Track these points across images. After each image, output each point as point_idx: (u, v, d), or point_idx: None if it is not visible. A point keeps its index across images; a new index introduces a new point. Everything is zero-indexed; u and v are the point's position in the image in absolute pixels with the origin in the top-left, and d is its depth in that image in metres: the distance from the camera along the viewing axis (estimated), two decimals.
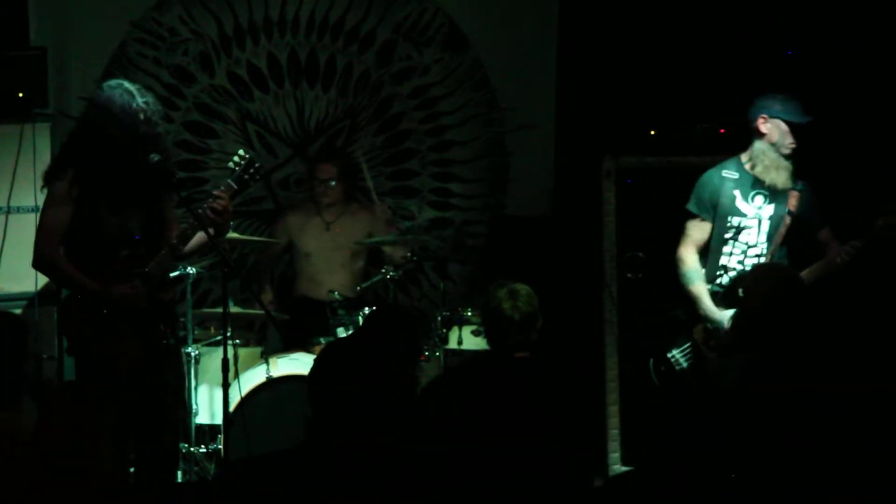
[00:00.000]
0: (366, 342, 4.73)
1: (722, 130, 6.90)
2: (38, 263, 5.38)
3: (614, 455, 6.68)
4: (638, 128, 7.21)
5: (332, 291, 6.81)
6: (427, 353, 6.58)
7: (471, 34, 7.64)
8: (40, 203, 6.49)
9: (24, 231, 6.49)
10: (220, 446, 6.25)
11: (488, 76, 7.68)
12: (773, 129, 5.81)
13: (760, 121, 5.82)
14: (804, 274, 5.59)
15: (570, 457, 4.63)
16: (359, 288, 6.92)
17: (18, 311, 6.47)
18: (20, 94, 6.55)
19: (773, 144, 5.81)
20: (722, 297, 5.82)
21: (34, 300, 6.49)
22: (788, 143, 5.79)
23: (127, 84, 5.31)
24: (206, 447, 6.45)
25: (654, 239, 6.30)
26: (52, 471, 3.64)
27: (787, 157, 5.80)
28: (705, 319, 5.81)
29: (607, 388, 6.54)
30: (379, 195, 7.20)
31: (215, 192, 5.33)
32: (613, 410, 6.69)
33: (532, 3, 7.69)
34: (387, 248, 7.13)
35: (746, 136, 5.92)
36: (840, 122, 6.68)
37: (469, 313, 6.67)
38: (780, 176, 5.79)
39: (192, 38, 7.38)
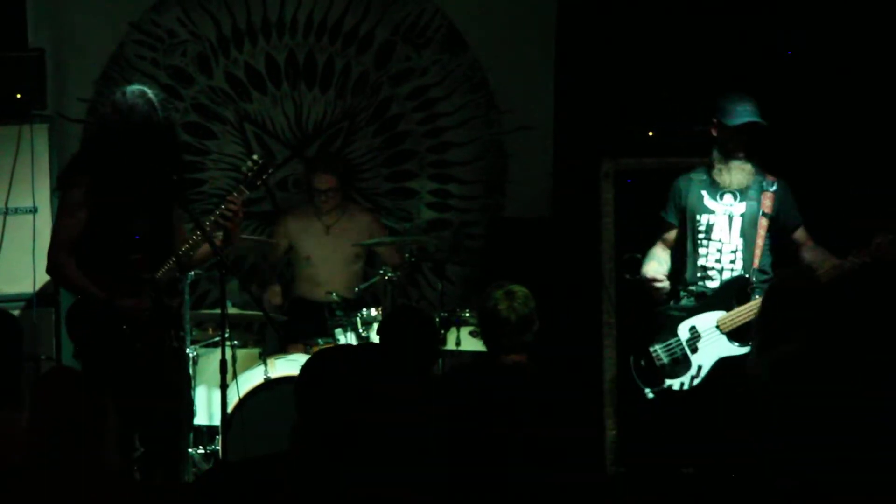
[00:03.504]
0: (388, 345, 4.77)
1: None
2: (51, 271, 5.43)
3: (611, 457, 6.67)
4: (636, 129, 7.20)
5: (331, 293, 6.81)
6: None
7: (469, 35, 7.63)
8: (38, 204, 6.54)
9: (22, 232, 6.50)
10: (218, 447, 6.24)
11: (487, 77, 7.68)
12: (721, 132, 5.86)
13: (714, 124, 5.88)
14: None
15: (567, 458, 4.63)
16: (357, 289, 6.91)
17: (17, 313, 6.46)
18: (18, 96, 6.54)
19: (721, 146, 5.87)
20: (710, 300, 5.87)
21: (32, 301, 6.49)
22: (733, 145, 5.83)
23: (150, 94, 5.30)
24: (204, 448, 6.45)
25: (652, 241, 6.30)
26: (51, 464, 3.61)
27: (739, 158, 5.84)
28: (644, 278, 5.97)
29: (605, 389, 6.53)
30: (377, 196, 7.19)
31: (228, 198, 5.37)
32: (611, 412, 6.68)
33: (531, 4, 7.68)
34: (381, 251, 7.14)
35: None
36: (844, 128, 6.72)
37: (467, 314, 6.67)
38: (732, 177, 5.86)
39: (190, 40, 7.38)
